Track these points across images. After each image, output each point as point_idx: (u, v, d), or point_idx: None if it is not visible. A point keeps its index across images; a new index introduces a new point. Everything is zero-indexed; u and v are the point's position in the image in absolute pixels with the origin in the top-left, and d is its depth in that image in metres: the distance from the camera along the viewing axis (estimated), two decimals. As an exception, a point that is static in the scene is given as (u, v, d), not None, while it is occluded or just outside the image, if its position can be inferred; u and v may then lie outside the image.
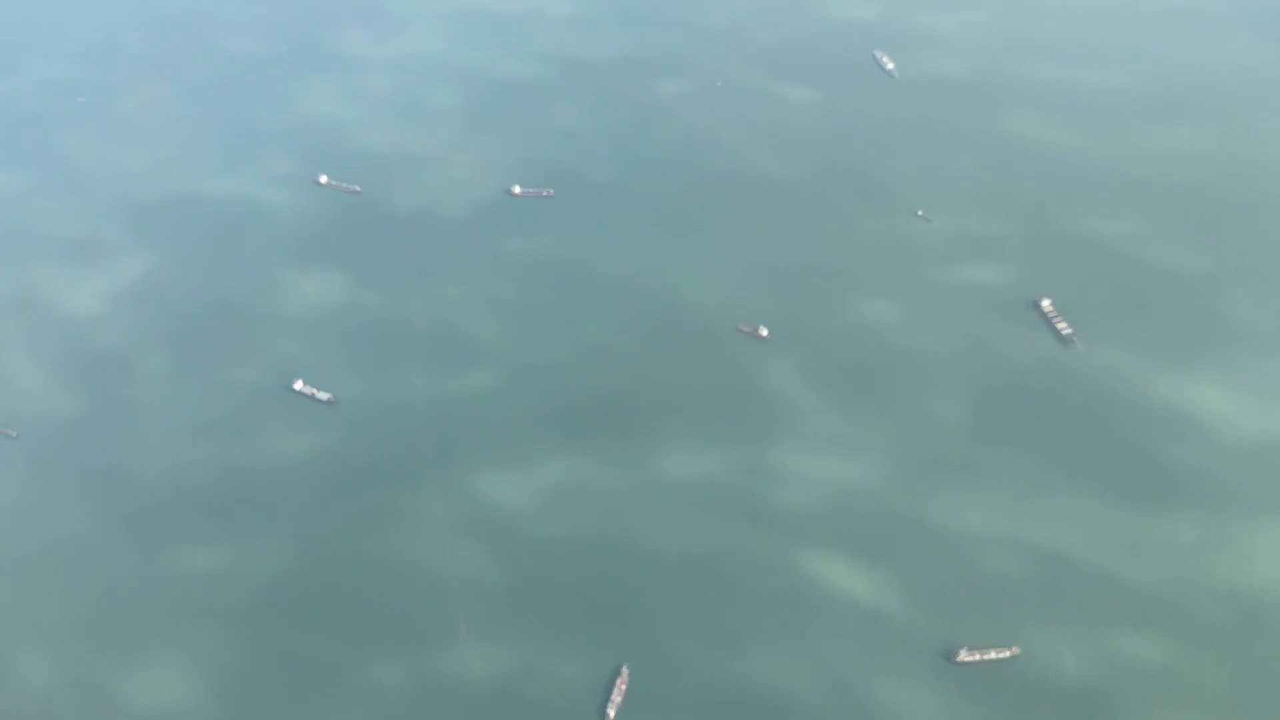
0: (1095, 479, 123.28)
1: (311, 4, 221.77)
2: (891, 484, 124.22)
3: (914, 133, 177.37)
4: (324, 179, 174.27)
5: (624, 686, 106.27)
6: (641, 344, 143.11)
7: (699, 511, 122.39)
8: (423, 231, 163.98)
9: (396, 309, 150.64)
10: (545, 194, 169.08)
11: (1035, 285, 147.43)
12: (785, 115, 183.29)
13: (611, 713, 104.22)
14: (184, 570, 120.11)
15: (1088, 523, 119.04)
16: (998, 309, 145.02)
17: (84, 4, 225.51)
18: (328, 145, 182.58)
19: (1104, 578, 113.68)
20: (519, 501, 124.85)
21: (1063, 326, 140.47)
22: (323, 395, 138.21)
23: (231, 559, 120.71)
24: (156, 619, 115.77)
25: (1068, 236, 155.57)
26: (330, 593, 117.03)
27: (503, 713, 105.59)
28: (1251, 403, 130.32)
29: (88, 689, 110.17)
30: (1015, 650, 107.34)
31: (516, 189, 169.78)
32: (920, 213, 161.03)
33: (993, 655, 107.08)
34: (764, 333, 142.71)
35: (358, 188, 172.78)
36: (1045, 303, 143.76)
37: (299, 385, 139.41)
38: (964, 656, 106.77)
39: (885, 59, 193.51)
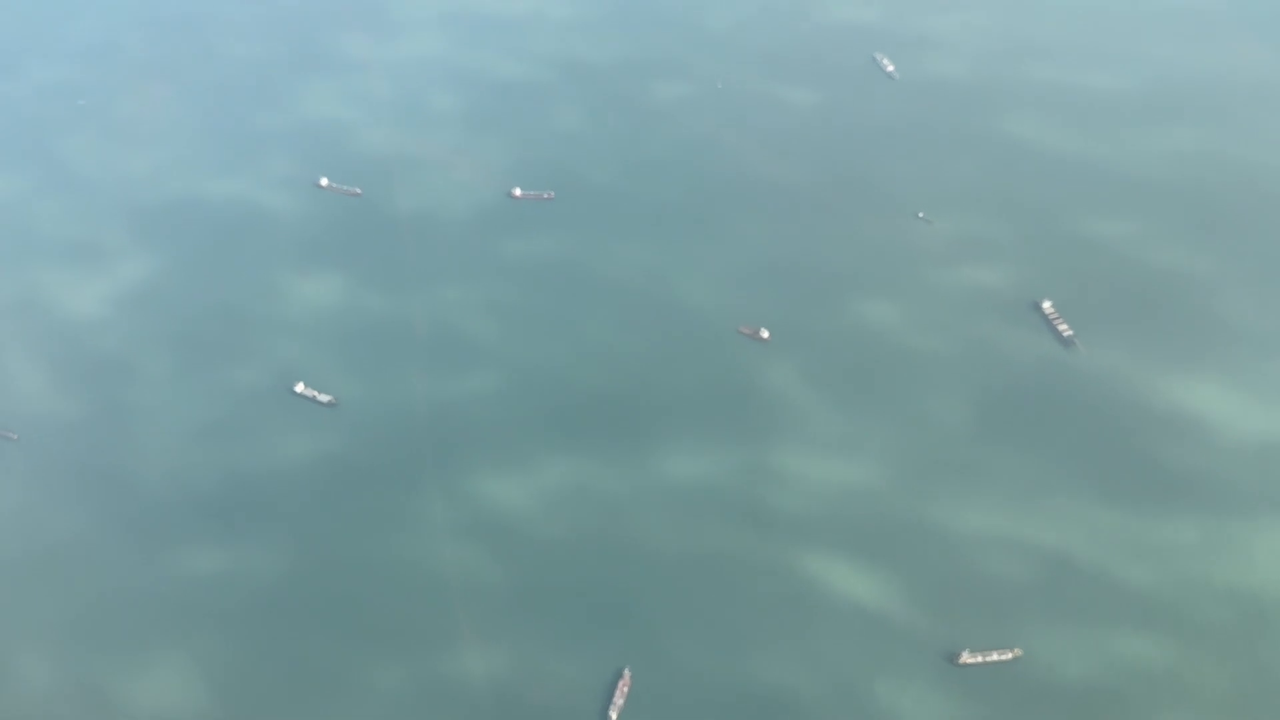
0: (1096, 480, 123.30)
1: (312, 6, 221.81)
2: (893, 486, 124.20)
3: (914, 135, 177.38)
4: (324, 181, 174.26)
5: (626, 689, 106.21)
6: (642, 346, 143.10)
7: (700, 513, 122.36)
8: (423, 234, 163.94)
9: (397, 311, 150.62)
10: (546, 196, 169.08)
11: (1036, 287, 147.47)
12: (785, 117, 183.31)
13: (614, 715, 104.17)
14: (185, 572, 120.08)
15: (1089, 524, 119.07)
16: (999, 311, 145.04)
17: (84, 7, 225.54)
18: (328, 148, 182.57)
19: (1106, 579, 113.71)
20: (520, 503, 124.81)
21: (1064, 328, 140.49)
22: (324, 397, 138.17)
23: (233, 561, 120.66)
24: (158, 621, 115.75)
25: (1068, 238, 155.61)
26: (332, 595, 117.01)
27: (504, 715, 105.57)
28: (1252, 404, 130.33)
29: (89, 691, 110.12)
30: (1017, 652, 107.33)
31: (517, 191, 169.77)
32: (921, 214, 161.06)
33: (995, 657, 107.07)
34: (765, 334, 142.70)
35: (358, 190, 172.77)
36: (1046, 304, 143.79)
37: (300, 388, 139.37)
38: (966, 658, 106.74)
39: (885, 61, 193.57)
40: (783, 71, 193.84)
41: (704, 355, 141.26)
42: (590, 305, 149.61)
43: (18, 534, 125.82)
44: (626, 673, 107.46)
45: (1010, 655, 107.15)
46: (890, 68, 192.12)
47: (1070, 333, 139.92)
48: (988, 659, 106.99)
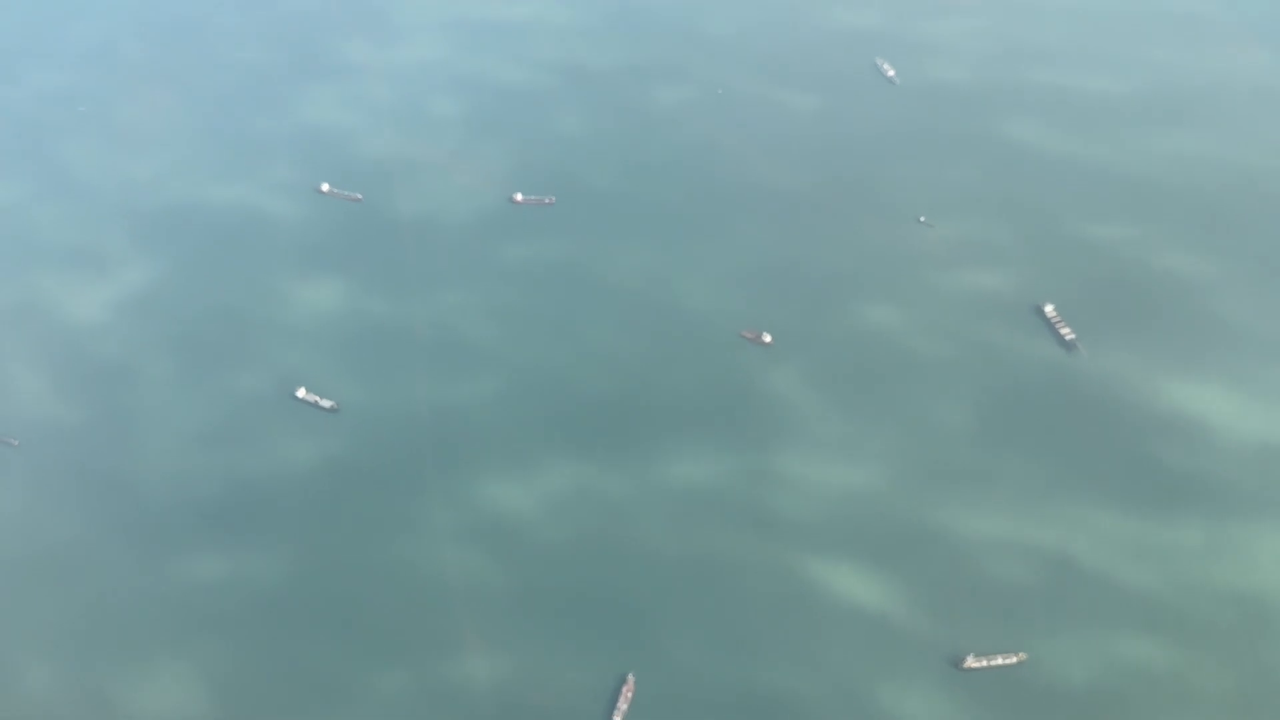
0: (1100, 484, 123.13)
1: (313, 12, 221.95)
2: (896, 489, 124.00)
3: (915, 139, 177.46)
4: (325, 187, 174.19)
5: (630, 694, 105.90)
6: (645, 350, 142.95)
7: (704, 517, 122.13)
8: (424, 239, 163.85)
9: (398, 316, 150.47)
10: (547, 201, 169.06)
11: (1038, 291, 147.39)
12: (786, 122, 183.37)
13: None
14: (187, 578, 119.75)
15: (1093, 528, 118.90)
16: (1001, 314, 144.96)
17: (84, 12, 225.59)
18: (329, 153, 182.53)
19: (1109, 582, 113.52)
20: (523, 508, 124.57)
21: (1066, 332, 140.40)
22: (325, 403, 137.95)
23: (235, 567, 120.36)
24: (159, 627, 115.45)
25: (1070, 242, 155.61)
26: (334, 600, 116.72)
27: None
28: (1255, 407, 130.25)
29: (91, 698, 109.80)
30: (1022, 656, 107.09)
31: (518, 196, 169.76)
32: (922, 218, 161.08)
33: (999, 661, 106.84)
34: (767, 339, 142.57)
35: (359, 195, 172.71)
36: (1048, 308, 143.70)
37: (301, 393, 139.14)
38: (971, 663, 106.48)
39: (886, 66, 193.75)
40: (783, 76, 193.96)
41: (706, 359, 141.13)
42: (592, 309, 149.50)
43: (19, 539, 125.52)
44: (630, 678, 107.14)
45: (1015, 659, 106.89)
46: (891, 72, 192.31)
47: (1072, 336, 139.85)
48: (992, 663, 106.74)
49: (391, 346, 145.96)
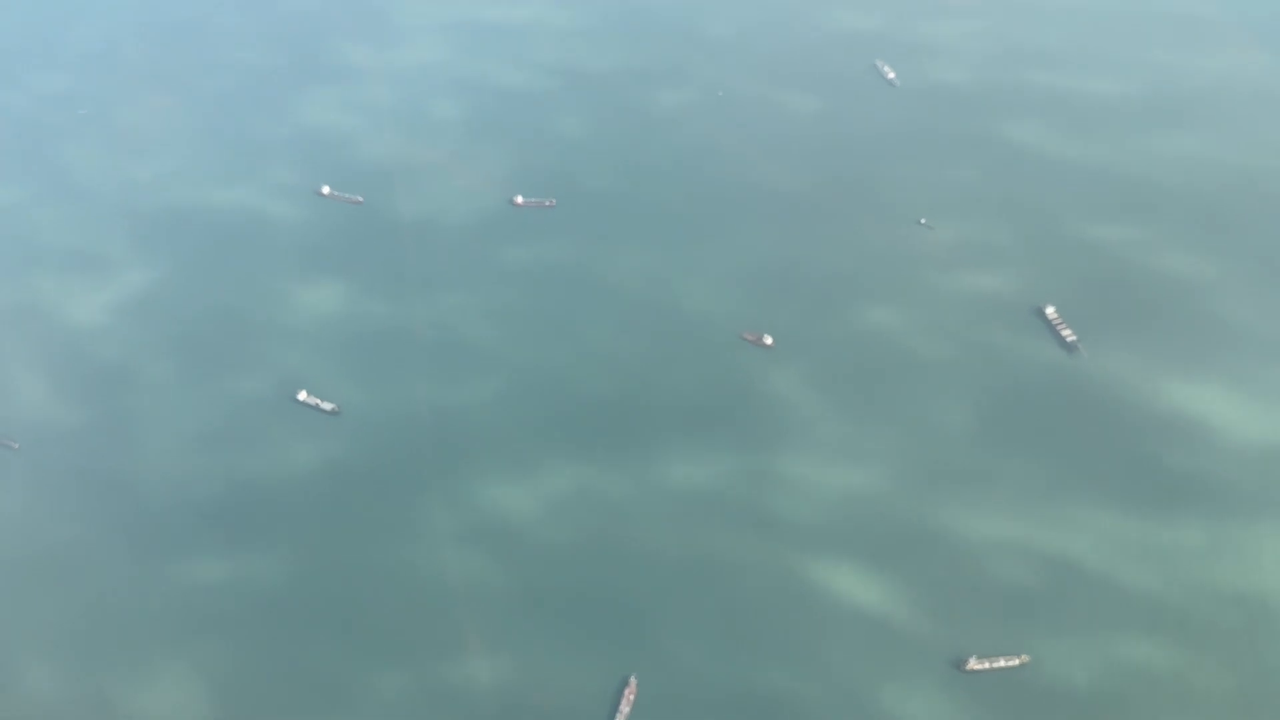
0: (1102, 486, 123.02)
1: (313, 15, 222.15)
2: (898, 491, 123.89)
3: (916, 141, 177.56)
4: (326, 189, 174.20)
5: (632, 697, 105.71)
6: (646, 352, 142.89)
7: (706, 519, 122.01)
8: (425, 241, 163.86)
9: (399, 319, 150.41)
10: (548, 204, 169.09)
11: (1039, 292, 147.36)
12: (787, 124, 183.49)
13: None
14: (188, 581, 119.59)
15: (1095, 529, 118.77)
16: (1002, 316, 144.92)
17: (84, 14, 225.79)
18: (330, 156, 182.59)
19: (1112, 584, 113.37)
20: (524, 510, 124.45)
21: (1067, 333, 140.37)
22: (326, 405, 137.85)
23: (236, 570, 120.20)
24: (161, 629, 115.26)
25: (1071, 243, 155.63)
26: (335, 602, 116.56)
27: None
28: (1257, 408, 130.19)
29: (93, 701, 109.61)
30: (1025, 658, 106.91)
31: (519, 199, 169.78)
32: (923, 220, 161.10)
33: (1002, 663, 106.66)
34: (768, 341, 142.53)
35: (360, 198, 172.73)
36: (1049, 310, 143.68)
37: (303, 395, 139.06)
38: (973, 665, 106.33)
39: (886, 68, 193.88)
40: (784, 78, 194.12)
41: (707, 361, 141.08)
42: (593, 312, 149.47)
43: (19, 542, 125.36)
44: (632, 680, 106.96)
45: (1017, 661, 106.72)
46: (891, 74, 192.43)
47: (1074, 338, 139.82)
48: (995, 665, 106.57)
49: (392, 349, 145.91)
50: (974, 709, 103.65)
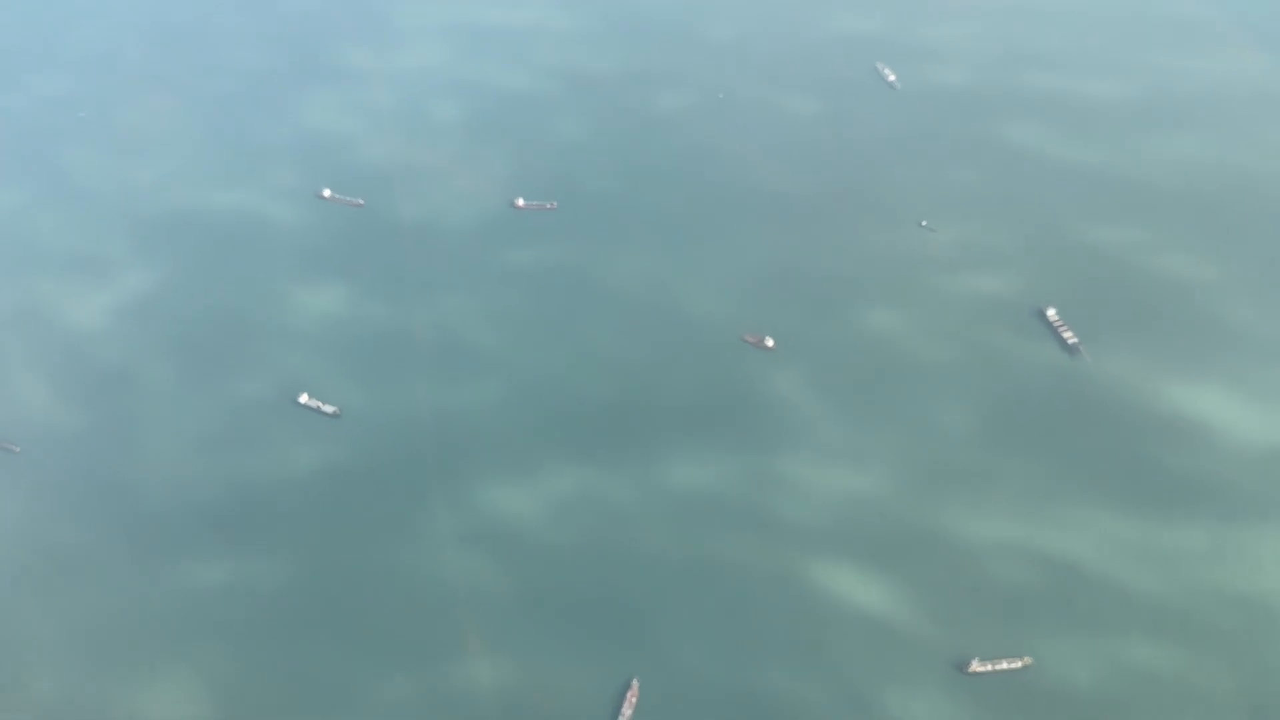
0: (1104, 488, 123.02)
1: (314, 17, 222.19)
2: (900, 494, 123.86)
3: (916, 143, 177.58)
4: (327, 192, 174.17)
5: (634, 699, 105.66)
6: (647, 355, 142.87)
7: (707, 522, 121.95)
8: (426, 244, 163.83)
9: (400, 321, 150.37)
10: (549, 206, 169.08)
11: (1040, 294, 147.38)
12: (787, 127, 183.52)
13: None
14: (190, 584, 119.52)
15: (1097, 531, 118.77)
16: (1003, 318, 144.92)
17: (85, 17, 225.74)
18: (330, 159, 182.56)
19: (1114, 586, 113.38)
20: (526, 513, 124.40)
21: (1068, 335, 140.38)
22: (328, 408, 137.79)
23: (238, 573, 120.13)
24: (162, 633, 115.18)
25: (1072, 246, 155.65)
26: (337, 605, 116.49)
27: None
28: (1259, 410, 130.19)
29: (95, 704, 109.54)
30: (1027, 660, 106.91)
31: (520, 201, 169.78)
32: (924, 223, 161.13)
33: (1005, 665, 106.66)
34: (770, 343, 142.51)
35: (361, 201, 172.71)
36: (1050, 312, 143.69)
37: (304, 398, 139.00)
38: (976, 667, 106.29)
39: (887, 71, 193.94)
40: (784, 81, 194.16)
41: (709, 364, 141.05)
42: (594, 314, 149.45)
43: (20, 546, 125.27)
44: (635, 683, 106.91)
45: (1020, 663, 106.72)
46: (892, 77, 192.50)
47: (1075, 340, 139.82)
48: (997, 667, 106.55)
49: (393, 352, 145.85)
50: (977, 711, 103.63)
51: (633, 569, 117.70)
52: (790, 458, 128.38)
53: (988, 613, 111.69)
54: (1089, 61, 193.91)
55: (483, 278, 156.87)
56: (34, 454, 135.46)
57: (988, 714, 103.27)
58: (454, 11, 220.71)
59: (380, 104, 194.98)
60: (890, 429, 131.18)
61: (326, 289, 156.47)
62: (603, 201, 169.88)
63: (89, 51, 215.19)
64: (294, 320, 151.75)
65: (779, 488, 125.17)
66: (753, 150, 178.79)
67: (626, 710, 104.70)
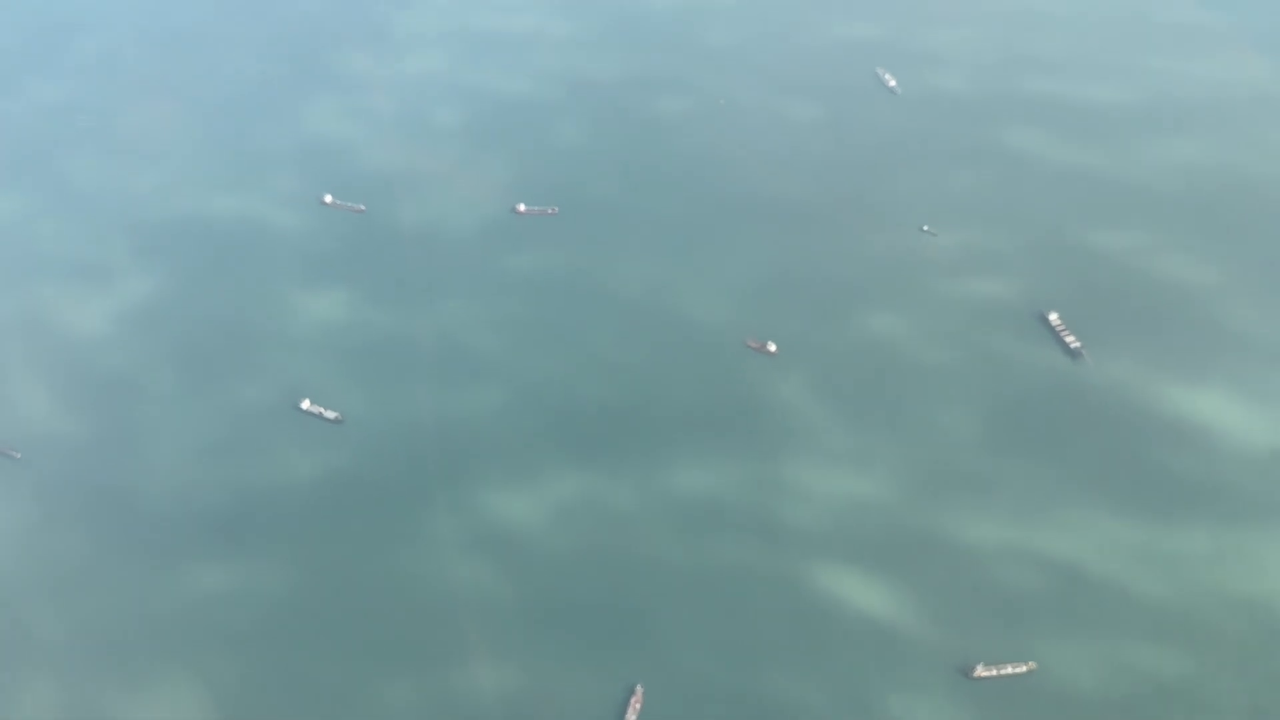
0: (1107, 492, 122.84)
1: (314, 24, 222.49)
2: (903, 498, 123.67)
3: (917, 148, 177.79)
4: (329, 198, 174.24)
5: (638, 705, 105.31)
6: (649, 360, 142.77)
7: (711, 527, 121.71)
8: (428, 250, 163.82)
9: (402, 327, 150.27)
10: (550, 211, 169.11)
11: (1042, 299, 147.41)
12: (788, 132, 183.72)
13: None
14: (192, 591, 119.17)
15: (1100, 535, 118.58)
16: (1005, 323, 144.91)
17: (85, 24, 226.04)
18: (332, 165, 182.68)
19: (1118, 590, 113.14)
20: (529, 519, 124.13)
21: (1071, 340, 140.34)
22: (330, 414, 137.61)
23: (240, 579, 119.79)
24: (165, 640, 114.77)
25: (1074, 250, 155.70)
26: (340, 612, 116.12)
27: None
28: (1261, 412, 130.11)
29: (97, 712, 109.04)
30: (1032, 665, 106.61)
31: (521, 207, 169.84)
32: (926, 228, 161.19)
33: (1009, 670, 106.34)
34: (772, 348, 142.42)
35: (362, 207, 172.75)
36: (1053, 316, 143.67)
37: (306, 404, 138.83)
38: (981, 671, 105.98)
39: (887, 76, 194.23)
40: (785, 87, 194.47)
41: (711, 369, 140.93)
42: (596, 319, 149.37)
43: (21, 553, 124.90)
44: (639, 689, 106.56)
45: (1025, 668, 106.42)
46: (892, 82, 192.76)
47: (1077, 344, 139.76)
48: (1002, 672, 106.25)
49: (395, 357, 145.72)
50: (981, 716, 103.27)
51: (636, 574, 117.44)
52: (793, 462, 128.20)
53: (991, 617, 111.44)
54: (1089, 66, 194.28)
55: (484, 283, 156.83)
56: (35, 460, 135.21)
57: (992, 719, 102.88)
58: (454, 18, 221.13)
59: (381, 110, 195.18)
60: (893, 433, 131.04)
61: (328, 295, 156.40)
62: (604, 206, 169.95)
63: (90, 57, 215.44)
64: (295, 326, 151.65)
65: (782, 492, 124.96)
66: (754, 155, 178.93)
67: (631, 716, 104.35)
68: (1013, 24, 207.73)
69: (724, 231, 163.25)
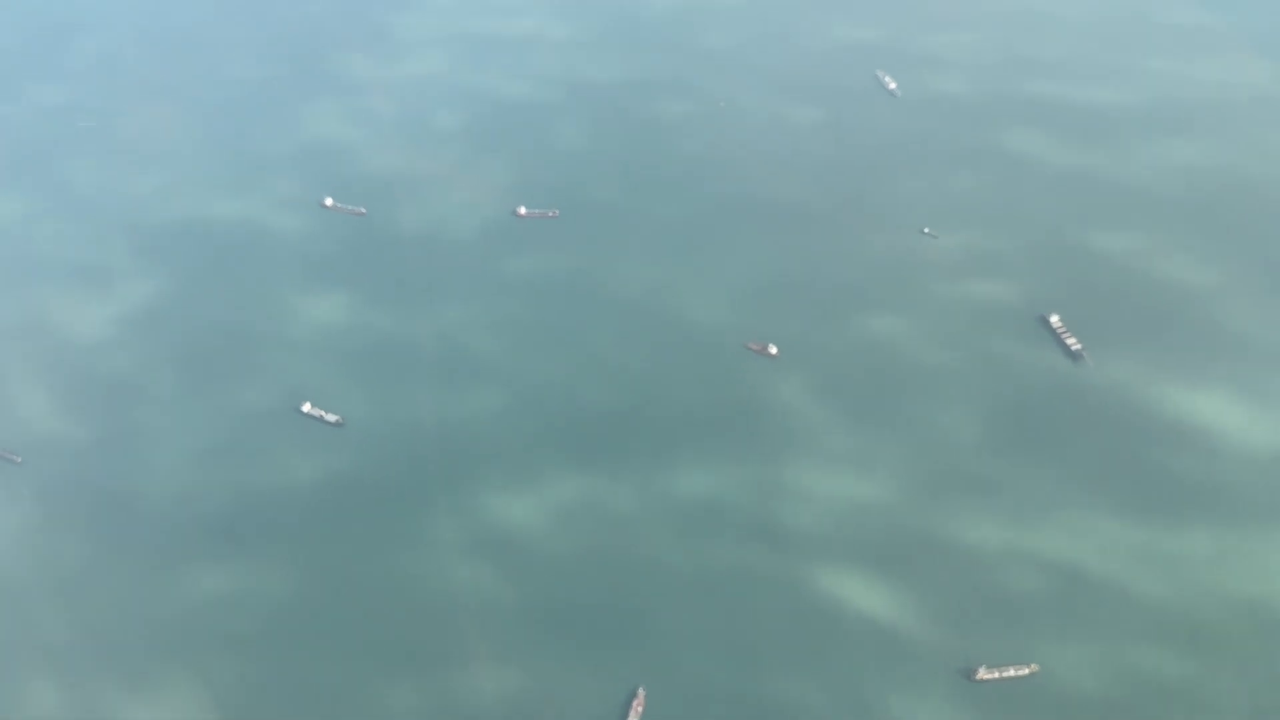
0: (1108, 493, 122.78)
1: (315, 27, 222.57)
2: (905, 500, 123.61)
3: (918, 151, 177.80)
4: (329, 201, 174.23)
5: (640, 708, 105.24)
6: (650, 363, 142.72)
7: (712, 530, 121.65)
8: (428, 253, 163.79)
9: (403, 330, 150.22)
10: (551, 214, 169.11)
11: (1043, 301, 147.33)
12: (789, 135, 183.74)
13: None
14: (193, 594, 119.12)
15: (1102, 537, 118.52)
16: (1006, 325, 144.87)
17: (85, 27, 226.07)
18: (332, 168, 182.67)
19: (1120, 592, 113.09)
20: (530, 522, 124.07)
21: (1072, 342, 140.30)
22: (331, 417, 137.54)
23: (242, 582, 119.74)
24: (166, 645, 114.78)
25: (1074, 252, 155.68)
26: (341, 615, 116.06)
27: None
28: (1263, 414, 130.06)
29: (98, 714, 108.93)
30: (1034, 667, 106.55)
31: (522, 210, 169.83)
32: (926, 230, 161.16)
33: (1011, 672, 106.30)
34: (773, 350, 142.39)
35: (363, 210, 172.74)
36: (1054, 318, 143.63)
37: (307, 407, 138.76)
38: (983, 674, 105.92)
39: (888, 79, 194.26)
40: (785, 90, 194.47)
41: (712, 371, 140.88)
42: (597, 322, 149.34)
43: (22, 557, 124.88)
44: (641, 691, 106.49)
45: (1027, 670, 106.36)
46: (892, 85, 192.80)
47: (1079, 346, 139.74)
48: (1004, 674, 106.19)
49: (396, 360, 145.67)
50: (983, 718, 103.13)
51: (638, 577, 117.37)
52: (794, 465, 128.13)
53: (994, 619, 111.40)
54: (1089, 68, 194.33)
55: (485, 286, 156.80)
56: (36, 464, 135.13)
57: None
58: (455, 21, 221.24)
59: (382, 113, 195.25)
60: (894, 435, 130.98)
61: (329, 298, 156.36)
62: (605, 209, 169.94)
63: (90, 59, 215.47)
64: (296, 329, 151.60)
65: (784, 495, 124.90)
66: (754, 158, 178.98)
67: (632, 718, 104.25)
68: (1013, 26, 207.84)
69: (725, 234, 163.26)
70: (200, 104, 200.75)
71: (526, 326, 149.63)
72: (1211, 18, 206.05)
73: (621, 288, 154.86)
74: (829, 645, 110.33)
